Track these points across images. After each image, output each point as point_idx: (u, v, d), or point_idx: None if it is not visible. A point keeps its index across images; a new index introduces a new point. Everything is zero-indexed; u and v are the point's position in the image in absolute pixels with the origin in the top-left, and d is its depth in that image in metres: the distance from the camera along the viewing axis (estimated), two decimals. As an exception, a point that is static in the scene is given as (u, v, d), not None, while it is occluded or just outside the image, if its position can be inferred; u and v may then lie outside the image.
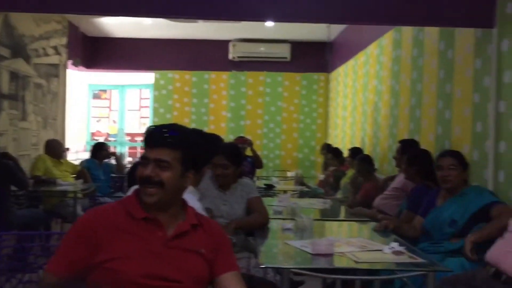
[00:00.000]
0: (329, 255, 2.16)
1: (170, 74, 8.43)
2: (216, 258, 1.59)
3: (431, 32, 4.24)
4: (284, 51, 8.20)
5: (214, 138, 2.99)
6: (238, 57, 8.26)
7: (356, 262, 2.06)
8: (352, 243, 2.36)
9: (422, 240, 2.83)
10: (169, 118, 8.32)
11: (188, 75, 8.48)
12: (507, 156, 3.02)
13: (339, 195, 5.18)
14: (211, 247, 1.59)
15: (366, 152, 5.56)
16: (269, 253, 2.36)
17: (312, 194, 5.34)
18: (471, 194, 2.75)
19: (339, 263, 2.15)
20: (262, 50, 8.21)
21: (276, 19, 4.01)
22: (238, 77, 8.48)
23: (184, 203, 1.64)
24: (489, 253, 2.31)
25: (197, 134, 1.95)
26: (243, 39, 8.17)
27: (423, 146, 4.19)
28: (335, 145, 6.77)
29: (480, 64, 3.37)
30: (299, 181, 5.98)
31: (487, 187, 3.16)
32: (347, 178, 5.18)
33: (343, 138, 7.35)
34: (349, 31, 7.16)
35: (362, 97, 6.45)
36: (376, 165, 5.01)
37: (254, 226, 2.78)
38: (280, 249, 2.44)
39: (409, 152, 3.62)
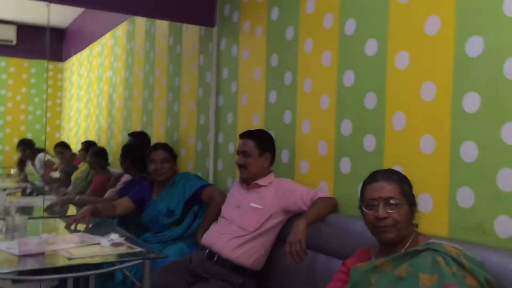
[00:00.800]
0: (40, 255, 1.95)
1: None
2: None
3: (162, 27, 4.34)
4: (8, 34, 7.27)
5: None
6: None
7: (70, 259, 1.91)
8: (69, 239, 2.20)
9: (146, 231, 2.85)
10: None
11: None
12: (224, 146, 3.29)
13: (70, 190, 4.87)
14: None
15: (101, 145, 5.37)
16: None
17: (38, 191, 4.87)
18: (180, 181, 2.90)
19: (51, 262, 1.96)
20: (-20, 29, 7.11)
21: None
22: None
23: None
24: (204, 237, 2.45)
25: None
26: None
27: (154, 138, 4.26)
28: (69, 139, 6.35)
29: (204, 60, 3.60)
30: (23, 178, 5.41)
31: (209, 175, 3.39)
32: (79, 173, 4.91)
33: (78, 132, 6.97)
34: (84, 18, 6.80)
35: (97, 89, 6.21)
36: (111, 159, 4.88)
37: None
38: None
39: (122, 147, 3.65)
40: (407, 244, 1.52)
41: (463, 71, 1.74)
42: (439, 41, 1.82)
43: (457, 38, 1.76)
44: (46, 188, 4.98)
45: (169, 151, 2.96)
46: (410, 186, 1.56)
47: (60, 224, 2.70)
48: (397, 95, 2.00)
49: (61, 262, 1.94)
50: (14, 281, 2.26)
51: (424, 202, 1.83)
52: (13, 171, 6.20)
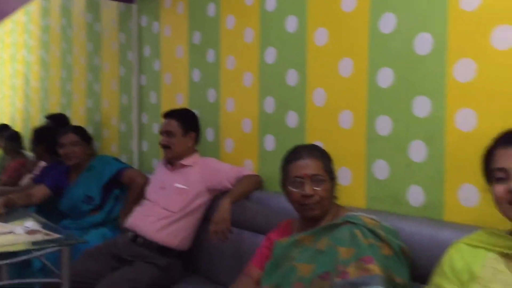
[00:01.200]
0: None
1: None
2: None
3: (79, 3, 4.12)
4: None
5: None
6: None
7: (-21, 249, 1.79)
8: (-21, 229, 2.06)
9: (65, 218, 2.73)
10: None
11: None
12: (149, 126, 3.20)
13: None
14: None
15: (17, 129, 5.06)
16: None
17: None
18: (98, 165, 2.79)
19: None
20: None
21: None
22: None
23: None
24: (129, 220, 2.39)
25: None
26: None
27: (74, 120, 4.07)
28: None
29: (124, 38, 3.46)
30: None
31: (133, 157, 3.30)
32: (-5, 159, 4.61)
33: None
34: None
35: (10, 69, 5.82)
36: (27, 143, 4.62)
37: None
38: None
39: (34, 131, 3.43)
40: (328, 217, 1.55)
41: (377, 47, 1.78)
42: (355, 18, 1.86)
43: (371, 14, 1.80)
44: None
45: (81, 134, 2.82)
46: (330, 161, 1.59)
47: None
48: (317, 72, 2.03)
49: (-31, 253, 1.81)
50: None
51: (344, 176, 1.88)
52: None
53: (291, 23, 2.14)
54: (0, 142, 4.48)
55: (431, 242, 1.46)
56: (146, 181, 2.57)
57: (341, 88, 1.92)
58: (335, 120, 1.93)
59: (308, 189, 1.51)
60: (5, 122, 5.49)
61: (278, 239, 1.61)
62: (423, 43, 1.63)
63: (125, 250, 2.29)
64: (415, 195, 1.67)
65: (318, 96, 2.02)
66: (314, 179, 1.52)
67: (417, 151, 1.66)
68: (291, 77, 2.14)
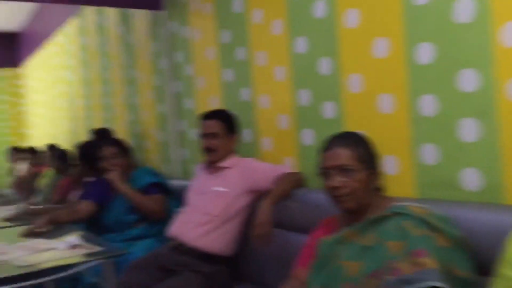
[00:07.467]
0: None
1: None
2: None
3: (112, 17, 4.16)
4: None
5: None
6: None
7: (21, 267, 1.78)
8: (24, 247, 2.06)
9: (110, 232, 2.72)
10: None
11: None
12: (187, 134, 3.16)
13: (39, 198, 4.69)
14: None
15: (67, 148, 5.19)
16: None
17: (4, 202, 4.68)
18: (138, 177, 2.75)
19: (2, 272, 1.82)
20: None
21: None
22: None
23: None
24: (172, 228, 2.34)
25: None
26: None
27: (117, 133, 4.11)
28: (34, 146, 6.13)
29: (156, 46, 3.44)
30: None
31: (173, 165, 3.26)
32: (47, 178, 4.73)
33: (42, 138, 6.74)
34: (35, 19, 6.55)
35: (56, 91, 5.99)
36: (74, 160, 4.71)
37: None
38: None
39: (78, 147, 3.44)
40: (372, 210, 1.43)
41: (413, 21, 1.64)
42: (386, -7, 1.72)
43: (404, -13, 1.66)
44: (17, 197, 4.82)
45: (119, 146, 2.80)
46: (368, 149, 1.46)
47: (19, 232, 2.55)
48: (350, 57, 1.90)
49: (13, 271, 1.81)
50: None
51: (389, 164, 1.74)
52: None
53: (319, 8, 2.02)
54: (51, 162, 4.59)
55: (492, 229, 1.30)
56: (159, 216, 2.61)
57: (377, 71, 1.78)
58: (374, 106, 1.80)
59: (334, 180, 1.40)
60: (53, 142, 5.66)
61: (322, 237, 1.50)
62: (463, 10, 1.48)
63: (169, 260, 2.24)
64: (470, 179, 1.51)
65: (353, 82, 1.89)
66: (341, 170, 1.40)
67: (468, 130, 1.50)
68: (324, 65, 2.02)
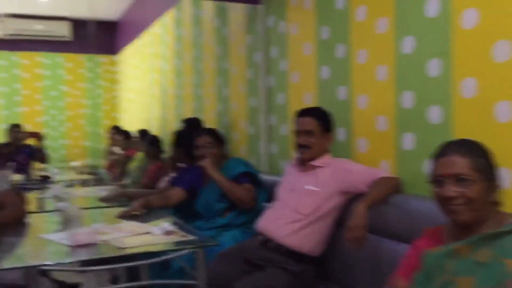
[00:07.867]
0: (92, 245, 1.91)
1: None
2: None
3: (209, 10, 4.24)
4: (63, 30, 7.47)
5: None
6: (9, 34, 7.24)
7: (120, 248, 1.86)
8: (121, 228, 2.15)
9: (198, 219, 2.78)
10: None
11: None
12: (277, 128, 3.15)
13: (128, 180, 4.91)
14: None
15: (156, 133, 5.39)
16: (17, 252, 1.98)
17: (97, 181, 4.95)
18: (230, 166, 2.78)
19: (103, 252, 1.91)
20: (38, 28, 7.33)
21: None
22: (9, 58, 7.45)
23: None
24: (259, 223, 2.34)
25: None
26: (12, 14, 7.18)
27: (206, 124, 4.20)
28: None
29: (251, 40, 3.46)
30: (86, 171, 5.55)
31: (261, 159, 3.27)
32: (137, 162, 4.94)
33: (133, 123, 7.06)
34: (133, 9, 6.85)
35: (149, 79, 6.24)
36: (165, 147, 4.88)
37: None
38: (32, 245, 2.08)
39: (175, 134, 3.52)
40: (487, 224, 1.33)
41: (545, 24, 1.50)
42: (513, -8, 1.59)
43: (536, -14, 1.52)
44: (109, 178, 5.07)
45: (214, 136, 2.85)
46: (487, 158, 1.36)
47: (115, 213, 2.67)
48: (465, 59, 1.78)
49: (112, 252, 1.89)
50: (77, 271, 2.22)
51: (504, 177, 1.62)
52: (74, 164, 6.37)
53: (431, 7, 1.92)
54: (142, 146, 4.79)
55: None
56: (248, 205, 2.63)
57: (496, 76, 1.65)
58: (490, 113, 1.67)
59: (449, 190, 1.31)
60: (144, 128, 5.90)
61: (427, 248, 1.42)
62: None
63: (255, 254, 2.24)
64: None
65: (467, 87, 1.77)
66: (457, 179, 1.31)
67: None
68: (433, 67, 1.91)
